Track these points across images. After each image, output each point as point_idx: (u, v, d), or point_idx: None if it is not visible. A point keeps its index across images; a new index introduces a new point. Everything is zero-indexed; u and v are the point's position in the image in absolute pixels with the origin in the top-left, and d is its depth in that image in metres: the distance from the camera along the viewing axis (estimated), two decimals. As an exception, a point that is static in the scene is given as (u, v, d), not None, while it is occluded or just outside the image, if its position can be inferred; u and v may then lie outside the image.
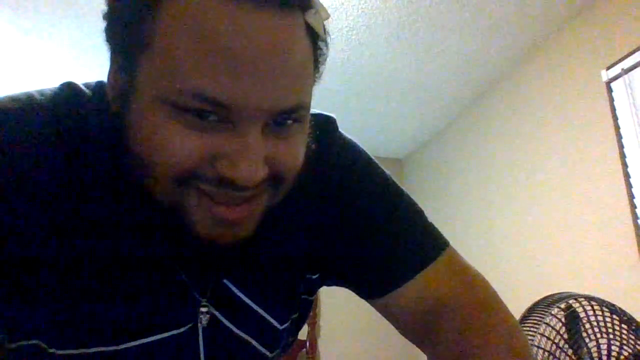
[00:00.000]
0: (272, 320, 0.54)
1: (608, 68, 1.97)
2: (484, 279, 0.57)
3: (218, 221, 0.41)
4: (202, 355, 0.50)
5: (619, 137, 1.92)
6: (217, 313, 0.50)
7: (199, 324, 0.49)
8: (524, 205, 2.41)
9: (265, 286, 0.53)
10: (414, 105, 2.89)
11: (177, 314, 0.48)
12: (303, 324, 0.61)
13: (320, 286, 0.61)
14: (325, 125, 0.58)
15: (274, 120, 0.41)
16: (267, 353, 0.54)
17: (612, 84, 1.97)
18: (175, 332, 0.48)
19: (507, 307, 0.55)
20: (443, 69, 2.57)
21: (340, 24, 2.23)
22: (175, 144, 0.39)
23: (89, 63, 2.45)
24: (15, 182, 0.41)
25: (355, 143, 0.60)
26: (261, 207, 0.44)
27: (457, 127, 3.07)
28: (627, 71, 1.89)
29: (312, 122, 0.53)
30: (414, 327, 0.56)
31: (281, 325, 0.55)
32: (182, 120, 0.38)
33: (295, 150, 0.44)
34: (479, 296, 0.55)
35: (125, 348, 0.46)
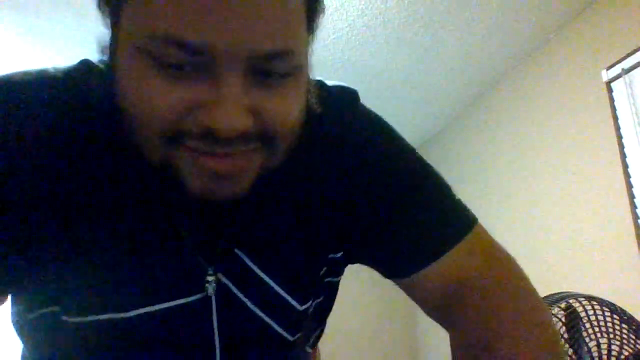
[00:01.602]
0: (289, 299, 0.51)
1: (608, 68, 1.97)
2: (514, 261, 0.54)
3: (208, 174, 0.40)
4: (215, 330, 0.48)
5: (619, 137, 1.92)
6: (228, 282, 0.48)
7: (208, 294, 0.48)
8: (524, 205, 2.41)
9: (283, 262, 0.51)
10: (414, 105, 2.89)
11: (184, 280, 0.47)
12: (329, 311, 0.59)
13: (345, 266, 0.58)
14: (346, 98, 0.56)
15: (260, 70, 0.39)
16: (288, 336, 0.51)
17: (612, 84, 1.97)
18: (184, 300, 0.47)
19: (538, 295, 0.52)
20: (443, 69, 2.57)
21: (340, 24, 2.23)
22: (156, 98, 0.38)
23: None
24: (21, 151, 0.42)
25: (379, 117, 0.58)
26: (253, 164, 0.42)
27: (456, 127, 3.07)
28: (627, 71, 1.89)
29: (328, 93, 0.53)
30: (438, 309, 0.54)
31: (300, 305, 0.52)
32: (162, 73, 0.37)
33: (286, 105, 0.41)
34: (506, 280, 0.52)
35: (135, 316, 0.45)
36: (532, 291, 0.52)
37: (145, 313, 0.46)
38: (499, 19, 2.20)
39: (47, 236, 0.44)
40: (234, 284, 0.49)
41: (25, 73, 0.45)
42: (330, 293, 0.57)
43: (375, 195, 0.54)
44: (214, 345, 0.48)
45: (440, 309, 0.54)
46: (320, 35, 2.55)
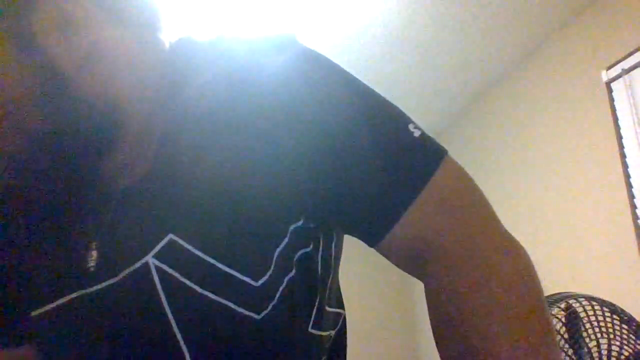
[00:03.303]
0: (238, 275, 0.46)
1: (608, 68, 1.97)
2: (484, 210, 0.49)
3: None
4: (172, 322, 0.45)
5: (619, 137, 1.92)
6: (170, 270, 0.45)
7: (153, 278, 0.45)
8: (524, 205, 2.41)
9: (229, 239, 0.47)
10: (413, 105, 2.89)
11: (122, 262, 0.46)
12: (320, 285, 0.54)
13: (317, 234, 0.53)
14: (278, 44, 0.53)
15: None
16: (253, 314, 0.47)
17: (612, 84, 1.97)
18: (122, 283, 0.46)
19: (506, 239, 0.48)
20: (443, 69, 2.57)
21: (340, 24, 2.23)
22: None
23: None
24: None
25: (315, 54, 0.53)
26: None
27: (456, 126, 3.07)
28: (627, 71, 1.89)
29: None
30: (410, 271, 0.51)
31: (255, 281, 0.47)
32: None
33: None
34: (471, 236, 0.47)
35: (93, 292, 0.45)
36: (500, 248, 0.47)
37: (99, 290, 0.45)
38: (499, 19, 2.20)
39: None
40: (175, 270, 0.46)
41: None
42: (307, 266, 0.52)
43: (315, 148, 0.49)
44: (180, 347, 0.45)
45: (412, 270, 0.51)
46: (320, 36, 2.56)
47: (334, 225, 0.55)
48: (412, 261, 0.50)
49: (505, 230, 0.50)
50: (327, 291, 0.56)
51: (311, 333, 0.53)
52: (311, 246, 0.52)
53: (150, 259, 0.45)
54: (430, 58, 2.47)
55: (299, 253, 0.51)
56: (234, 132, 0.49)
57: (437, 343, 0.47)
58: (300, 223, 0.51)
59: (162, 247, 0.46)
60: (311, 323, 0.53)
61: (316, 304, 0.54)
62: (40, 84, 0.45)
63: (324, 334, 0.55)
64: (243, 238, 0.48)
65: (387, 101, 0.55)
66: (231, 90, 0.50)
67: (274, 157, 0.49)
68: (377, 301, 3.44)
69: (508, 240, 0.49)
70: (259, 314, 0.47)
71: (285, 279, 0.49)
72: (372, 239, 0.50)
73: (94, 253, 0.47)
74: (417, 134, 0.52)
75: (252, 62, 0.52)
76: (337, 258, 0.58)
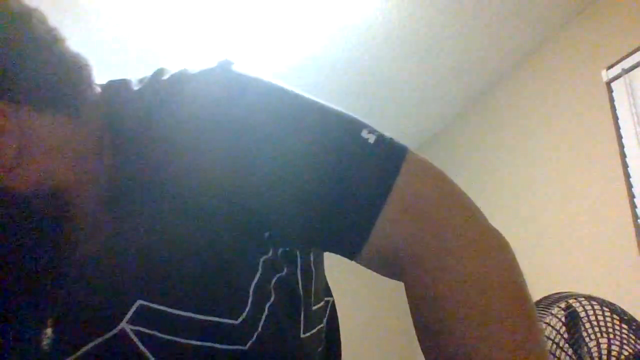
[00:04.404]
0: (217, 319, 0.46)
1: (608, 68, 1.97)
2: (454, 207, 0.47)
3: None
4: None
5: (619, 137, 1.92)
6: (148, 331, 0.45)
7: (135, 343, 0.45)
8: (524, 205, 2.41)
9: (200, 291, 0.46)
10: (413, 105, 2.89)
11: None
12: (293, 303, 0.52)
13: (292, 255, 0.53)
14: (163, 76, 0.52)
15: None
16: (240, 347, 0.47)
17: (612, 84, 1.97)
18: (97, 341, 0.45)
19: (485, 234, 0.46)
20: (443, 69, 2.57)
21: (340, 24, 2.23)
22: None
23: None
24: None
25: (246, 81, 0.50)
26: None
27: (456, 127, 3.07)
28: (627, 71, 1.89)
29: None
30: (392, 279, 0.51)
31: (235, 319, 0.47)
32: None
33: None
34: (441, 239, 0.45)
35: None
36: (473, 250, 0.45)
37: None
38: (499, 19, 2.20)
39: None
40: (153, 329, 0.45)
41: None
42: (286, 286, 0.52)
43: (263, 182, 0.48)
44: None
45: (393, 278, 0.51)
46: (320, 36, 2.55)
47: (307, 246, 0.55)
48: (390, 270, 0.50)
49: (481, 222, 0.48)
50: (312, 294, 0.56)
51: (304, 338, 0.53)
52: (285, 270, 0.52)
53: (125, 325, 0.44)
54: (430, 58, 2.47)
55: (275, 279, 0.51)
56: (183, 187, 0.48)
57: (422, 350, 0.46)
58: (269, 254, 0.50)
59: (134, 312, 0.45)
60: (302, 330, 0.53)
61: (302, 312, 0.54)
62: None
63: (315, 331, 0.55)
64: (214, 286, 0.47)
65: (334, 111, 0.52)
66: (175, 142, 0.49)
67: (227, 201, 0.48)
68: (377, 301, 3.44)
69: (483, 234, 0.47)
70: (245, 345, 0.47)
71: (266, 307, 0.49)
72: (348, 255, 0.50)
73: (49, 331, 0.46)
74: (372, 139, 0.49)
75: (191, 110, 0.49)
76: (318, 258, 0.58)
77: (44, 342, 0.46)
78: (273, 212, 0.49)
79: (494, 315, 0.42)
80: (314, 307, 0.57)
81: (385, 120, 3.05)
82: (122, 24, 2.19)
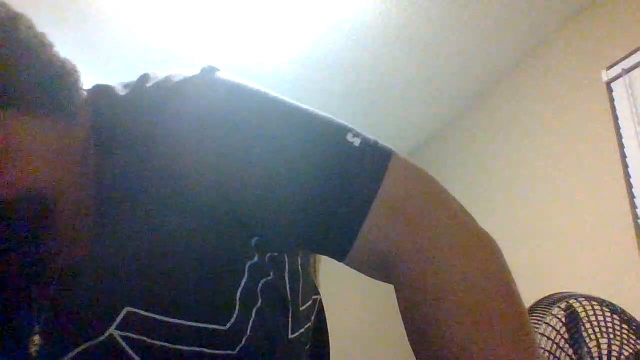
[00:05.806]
0: (206, 326, 0.47)
1: (608, 68, 1.97)
2: (440, 209, 0.47)
3: None
4: None
5: (619, 137, 1.92)
6: (136, 336, 0.45)
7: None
8: (524, 205, 2.41)
9: (188, 297, 0.47)
10: (414, 105, 2.89)
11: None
12: (281, 305, 0.53)
13: (279, 259, 0.54)
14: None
15: None
16: (229, 352, 0.48)
17: (613, 84, 1.97)
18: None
19: (470, 233, 0.46)
20: (443, 69, 2.57)
21: (340, 24, 2.23)
22: None
23: (89, 63, 2.45)
24: None
25: (231, 86, 0.51)
26: None
27: (456, 127, 3.07)
28: (627, 71, 1.89)
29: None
30: (383, 281, 0.51)
31: (224, 325, 0.47)
32: None
33: None
34: (429, 241, 0.45)
35: None
36: (459, 254, 0.45)
37: None
38: (499, 18, 2.20)
39: None
40: (142, 335, 0.45)
41: None
42: (273, 290, 0.52)
43: (248, 187, 0.48)
44: None
45: (383, 280, 0.51)
46: (320, 36, 2.55)
47: (295, 248, 0.55)
48: (379, 272, 0.50)
49: (467, 223, 0.48)
50: (300, 294, 0.56)
51: (292, 338, 0.53)
52: (272, 274, 0.52)
53: (113, 331, 0.45)
54: (430, 58, 2.47)
55: (261, 283, 0.51)
56: (171, 193, 0.48)
57: (413, 351, 0.46)
58: (255, 259, 0.51)
59: (122, 319, 0.45)
60: (290, 331, 0.53)
61: (290, 313, 0.54)
62: None
63: (303, 330, 0.56)
64: (202, 292, 0.47)
65: (319, 115, 0.52)
66: (161, 148, 0.49)
67: (213, 207, 0.49)
68: (375, 300, 3.44)
69: (470, 235, 0.47)
70: (234, 350, 0.48)
71: (254, 311, 0.50)
72: (336, 257, 0.50)
73: (37, 338, 0.47)
74: (357, 142, 0.49)
75: (172, 115, 0.50)
76: (306, 258, 0.59)
77: (33, 349, 0.47)
78: (260, 215, 0.49)
79: (484, 316, 0.42)
80: (302, 307, 0.57)
81: (384, 120, 3.05)
82: (122, 23, 2.19)
